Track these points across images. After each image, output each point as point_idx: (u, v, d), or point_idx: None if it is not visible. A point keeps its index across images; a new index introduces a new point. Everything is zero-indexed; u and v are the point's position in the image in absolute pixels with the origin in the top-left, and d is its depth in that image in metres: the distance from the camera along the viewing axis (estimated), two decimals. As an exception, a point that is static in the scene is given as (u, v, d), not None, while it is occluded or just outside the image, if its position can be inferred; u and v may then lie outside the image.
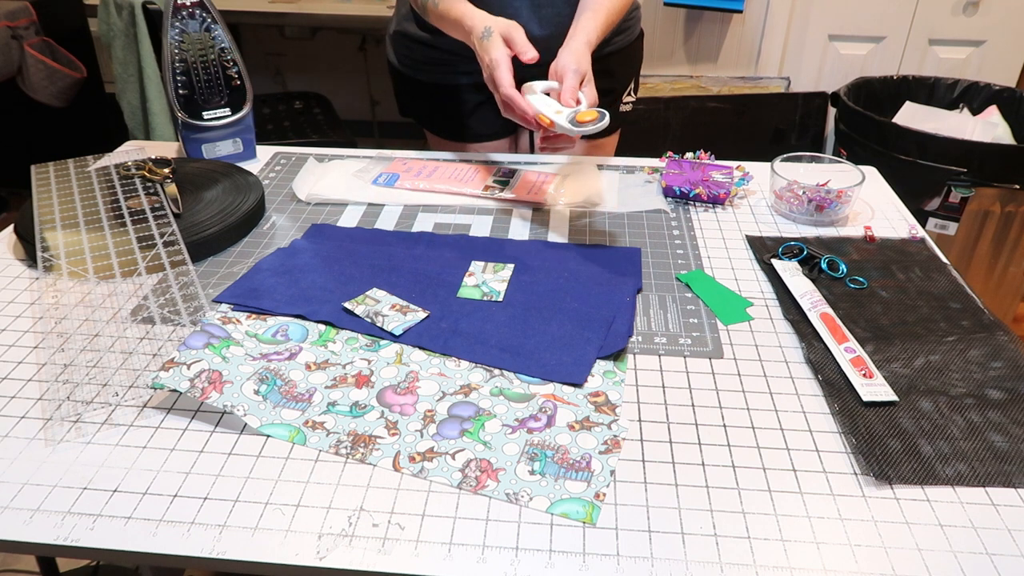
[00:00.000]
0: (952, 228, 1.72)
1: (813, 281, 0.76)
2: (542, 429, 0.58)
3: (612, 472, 0.54)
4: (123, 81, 1.90)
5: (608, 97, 1.14)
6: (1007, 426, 0.58)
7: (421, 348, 0.67)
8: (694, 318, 0.72)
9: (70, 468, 0.54)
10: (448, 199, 0.95)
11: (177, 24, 0.95)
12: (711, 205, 0.95)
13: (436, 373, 0.64)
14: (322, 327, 0.69)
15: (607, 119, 0.77)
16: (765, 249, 0.84)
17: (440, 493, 0.52)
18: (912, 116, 1.88)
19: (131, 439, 0.57)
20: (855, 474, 0.54)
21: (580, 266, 0.79)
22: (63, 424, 0.58)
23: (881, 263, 0.81)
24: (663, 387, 0.63)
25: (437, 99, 1.15)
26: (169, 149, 1.08)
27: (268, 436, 0.57)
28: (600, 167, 1.05)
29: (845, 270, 0.79)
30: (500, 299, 0.73)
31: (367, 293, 0.73)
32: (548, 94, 0.86)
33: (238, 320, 0.69)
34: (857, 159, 1.16)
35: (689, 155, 0.99)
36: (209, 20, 0.97)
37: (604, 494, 0.52)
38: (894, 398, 0.61)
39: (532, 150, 1.23)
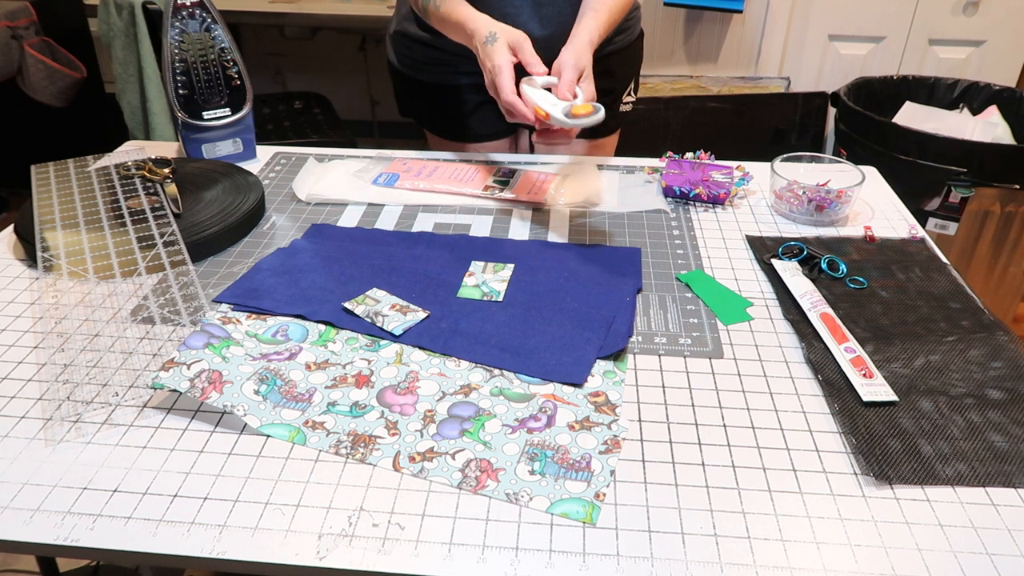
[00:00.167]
0: (952, 228, 1.72)
1: (813, 281, 0.76)
2: (542, 429, 0.58)
3: (612, 472, 0.54)
4: (123, 81, 1.90)
5: (608, 97, 1.14)
6: (1007, 426, 0.58)
7: (421, 348, 0.67)
8: (694, 318, 0.72)
9: (70, 468, 0.54)
10: (448, 199, 0.95)
11: (177, 24, 0.95)
12: (711, 205, 0.95)
13: (436, 373, 0.64)
14: (322, 327, 0.69)
15: (602, 113, 0.77)
16: (765, 249, 0.84)
17: (440, 493, 0.52)
18: (912, 116, 1.88)
19: (131, 439, 0.57)
20: (855, 474, 0.54)
21: (580, 266, 0.79)
22: (63, 424, 0.58)
23: (881, 263, 0.81)
24: (663, 387, 0.63)
25: (437, 99, 1.15)
26: (169, 149, 1.08)
27: (268, 436, 0.57)
28: (600, 167, 1.05)
29: (845, 270, 0.79)
30: (500, 299, 0.73)
31: (367, 293, 0.73)
32: (549, 90, 0.86)
33: (238, 320, 0.69)
34: (857, 159, 1.16)
35: (689, 155, 0.99)
36: (209, 20, 0.97)
37: (604, 494, 0.52)
38: (894, 398, 0.61)
39: (532, 149, 1.23)
